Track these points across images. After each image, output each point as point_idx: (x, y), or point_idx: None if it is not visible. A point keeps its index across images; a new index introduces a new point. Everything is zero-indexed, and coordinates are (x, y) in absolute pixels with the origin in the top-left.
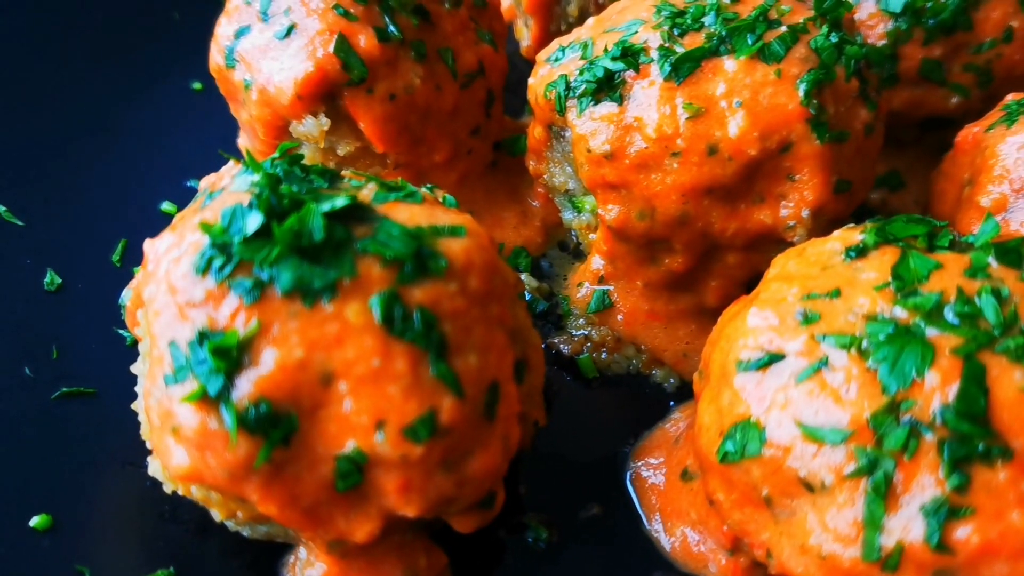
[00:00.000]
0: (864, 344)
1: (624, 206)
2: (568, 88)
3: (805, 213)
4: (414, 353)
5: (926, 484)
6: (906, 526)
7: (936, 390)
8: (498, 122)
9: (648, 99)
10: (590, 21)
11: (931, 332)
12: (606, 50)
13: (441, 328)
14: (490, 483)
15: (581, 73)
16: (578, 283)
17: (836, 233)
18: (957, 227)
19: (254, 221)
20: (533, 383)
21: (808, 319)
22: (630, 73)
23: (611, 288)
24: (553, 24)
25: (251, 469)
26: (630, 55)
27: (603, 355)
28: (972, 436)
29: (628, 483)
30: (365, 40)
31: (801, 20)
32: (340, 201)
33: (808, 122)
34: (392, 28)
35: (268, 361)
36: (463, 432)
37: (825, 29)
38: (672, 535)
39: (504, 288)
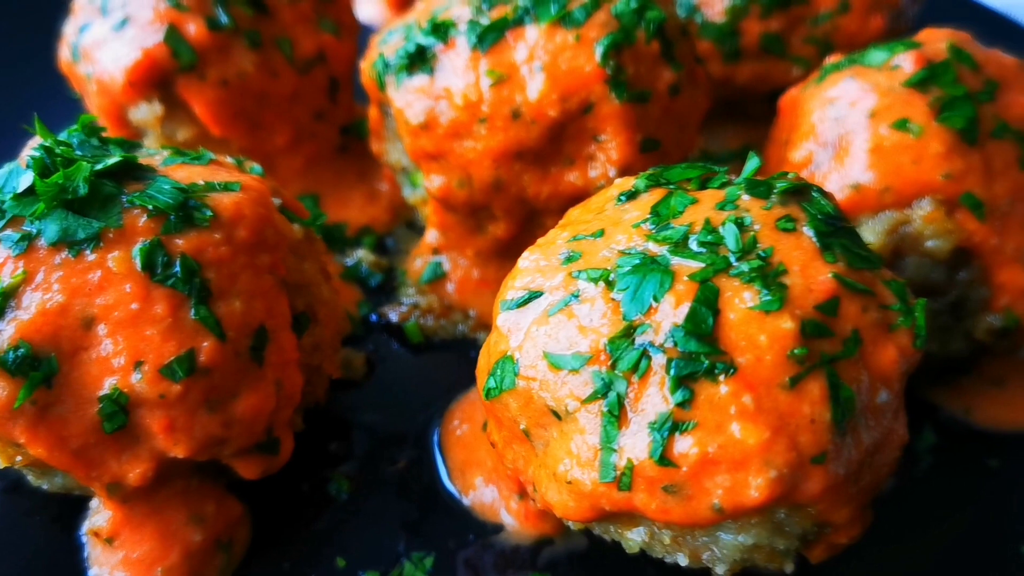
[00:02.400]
0: (612, 276)
1: (445, 176)
2: (386, 65)
3: (612, 172)
4: (175, 298)
5: (654, 402)
6: (634, 444)
7: (670, 313)
8: (346, 108)
9: (455, 69)
10: (419, 5)
11: (675, 261)
12: (421, 27)
13: (204, 275)
14: (261, 425)
15: (397, 50)
16: (416, 257)
17: (618, 181)
18: None
19: (26, 180)
20: (321, 336)
21: (570, 258)
22: (440, 46)
23: (444, 259)
24: None
25: (13, 410)
26: (441, 30)
27: (430, 321)
28: (699, 354)
29: (436, 440)
30: (195, 28)
31: None
32: (111, 160)
33: (607, 82)
34: (224, 17)
35: (29, 307)
36: (225, 373)
37: None
38: (471, 486)
39: (279, 240)
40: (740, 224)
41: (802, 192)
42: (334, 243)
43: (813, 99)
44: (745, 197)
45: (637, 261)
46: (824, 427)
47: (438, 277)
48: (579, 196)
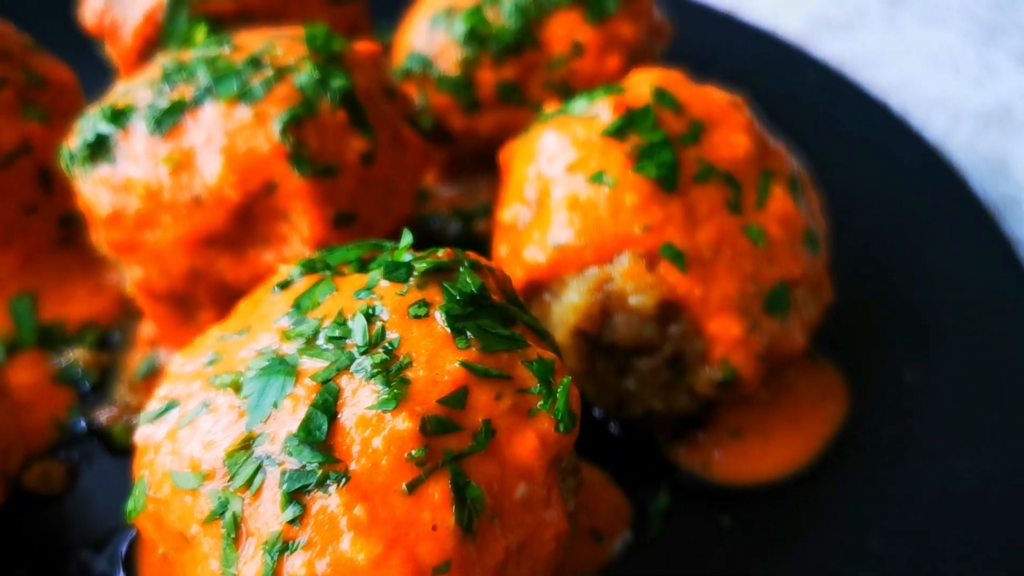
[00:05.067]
0: (242, 380)
1: (143, 267)
2: (71, 156)
3: (307, 252)
4: None
5: (267, 520)
6: (250, 568)
7: (288, 420)
8: (65, 197)
9: (135, 157)
10: (118, 86)
11: (303, 361)
12: (103, 113)
13: None
14: None
15: (80, 139)
16: (136, 351)
17: (280, 267)
18: (493, 248)
19: None
20: None
21: (212, 361)
22: (119, 133)
23: (162, 352)
24: None
25: None
26: (120, 116)
27: None
28: (311, 464)
29: (126, 554)
30: None
31: (292, 60)
32: None
33: (288, 159)
34: None
35: None
36: None
37: (311, 65)
38: None
39: None
40: (370, 314)
41: (447, 270)
42: (51, 343)
43: (520, 154)
44: (383, 283)
45: (266, 363)
46: (448, 533)
47: (154, 371)
48: None
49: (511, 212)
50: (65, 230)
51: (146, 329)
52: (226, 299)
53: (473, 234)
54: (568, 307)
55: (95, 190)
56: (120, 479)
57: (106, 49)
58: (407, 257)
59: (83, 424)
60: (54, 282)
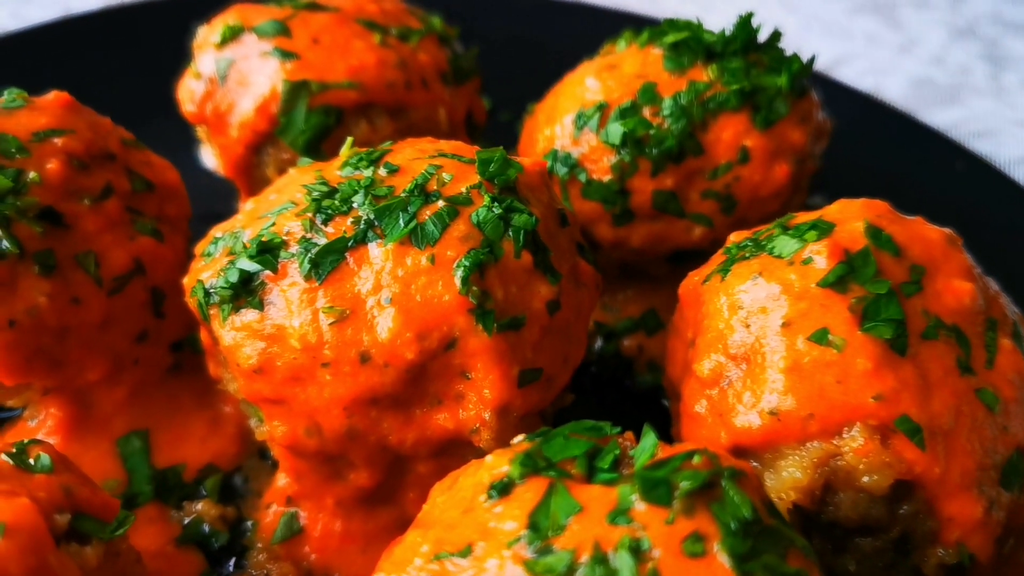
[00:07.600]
0: None
1: (289, 423)
2: (207, 294)
3: (487, 415)
4: None
5: None
6: None
7: None
8: (177, 320)
9: (288, 303)
10: (248, 204)
11: None
12: (246, 246)
13: None
14: None
15: (218, 276)
16: (268, 503)
17: (488, 459)
18: (683, 400)
19: None
20: None
21: None
22: (268, 273)
23: (300, 511)
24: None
25: None
26: (268, 251)
27: None
28: None
29: None
30: None
31: (464, 189)
32: None
33: (471, 312)
34: (5, 243)
35: None
36: None
37: (488, 198)
38: None
39: None
40: (636, 549)
41: (711, 487)
42: (168, 495)
43: (717, 298)
44: (640, 506)
45: None
46: None
47: (294, 533)
48: (451, 440)
49: (711, 365)
50: (176, 356)
51: (282, 480)
52: (384, 461)
53: (620, 354)
54: (787, 482)
55: (239, 338)
56: None
57: (198, 131)
58: (652, 453)
59: None
60: (166, 418)
